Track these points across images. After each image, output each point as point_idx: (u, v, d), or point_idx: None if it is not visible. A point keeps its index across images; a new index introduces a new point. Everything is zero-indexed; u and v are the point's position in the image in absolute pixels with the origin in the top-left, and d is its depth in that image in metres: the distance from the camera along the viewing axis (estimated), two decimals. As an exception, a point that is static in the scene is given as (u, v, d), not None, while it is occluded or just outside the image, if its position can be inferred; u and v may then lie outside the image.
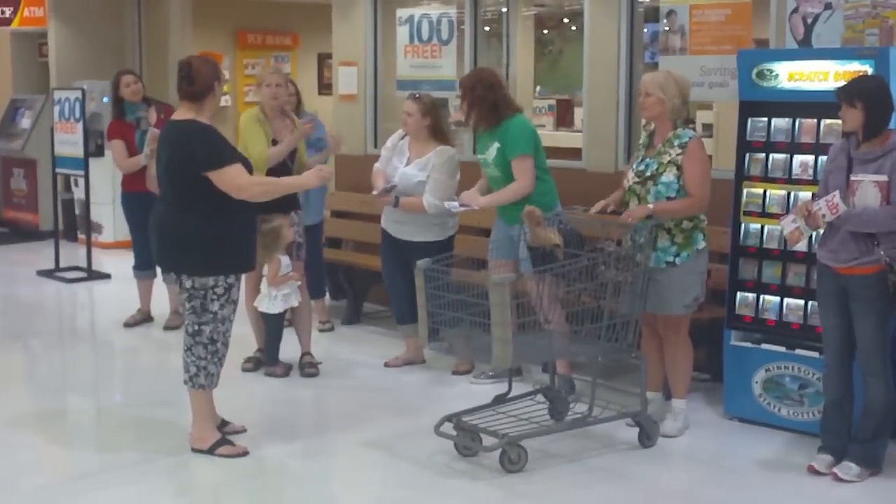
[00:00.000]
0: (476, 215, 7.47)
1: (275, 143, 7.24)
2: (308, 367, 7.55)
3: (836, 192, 5.41)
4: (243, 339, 7.62)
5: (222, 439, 5.93)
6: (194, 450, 5.90)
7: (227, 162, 5.67)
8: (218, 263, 5.75)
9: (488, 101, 6.93)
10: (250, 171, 5.91)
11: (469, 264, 6.52)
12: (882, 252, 5.35)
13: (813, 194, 5.79)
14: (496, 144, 6.92)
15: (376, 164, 7.68)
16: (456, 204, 7.01)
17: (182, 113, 5.83)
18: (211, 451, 5.87)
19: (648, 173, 6.13)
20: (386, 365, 7.76)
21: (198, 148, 5.66)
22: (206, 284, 5.72)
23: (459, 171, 7.49)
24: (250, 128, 7.23)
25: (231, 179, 5.64)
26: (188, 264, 5.75)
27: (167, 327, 8.81)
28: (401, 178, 7.40)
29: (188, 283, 5.75)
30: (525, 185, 6.83)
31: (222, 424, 6.14)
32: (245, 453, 5.90)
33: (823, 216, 5.42)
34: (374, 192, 7.45)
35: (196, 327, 5.78)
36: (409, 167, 7.41)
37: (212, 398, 5.95)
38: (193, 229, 5.71)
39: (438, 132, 7.50)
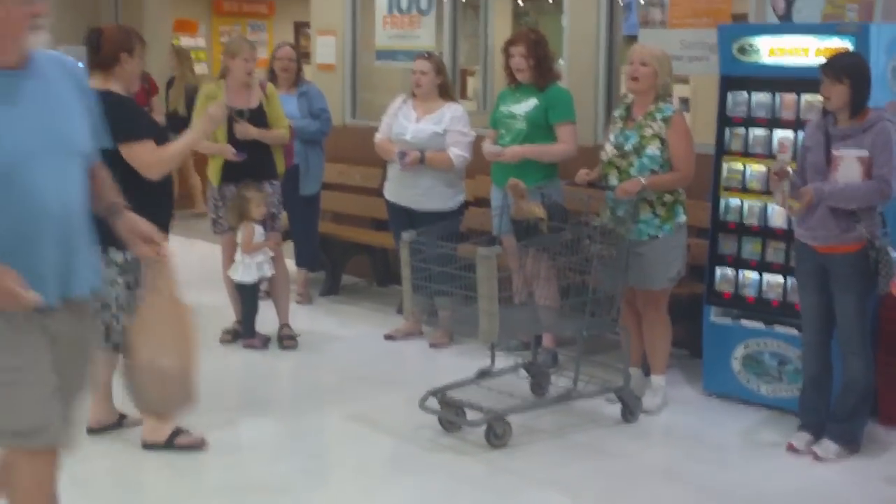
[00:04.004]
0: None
1: (230, 111, 7.17)
2: (286, 340, 7.53)
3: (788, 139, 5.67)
4: (221, 311, 7.59)
5: (178, 430, 5.64)
6: (147, 445, 5.66)
7: (138, 137, 5.40)
8: None
9: (548, 60, 7.01)
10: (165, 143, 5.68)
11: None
12: (864, 229, 5.36)
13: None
14: (534, 101, 6.92)
15: (377, 135, 7.62)
16: (498, 147, 6.98)
17: (93, 84, 5.35)
18: (168, 443, 5.63)
19: (629, 146, 6.12)
20: (386, 337, 7.77)
21: (110, 119, 5.42)
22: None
23: None
24: (199, 108, 7.22)
25: (140, 155, 5.39)
26: (113, 237, 5.49)
27: None
28: (415, 133, 7.34)
29: (118, 258, 5.38)
30: (570, 149, 6.92)
31: (121, 417, 5.88)
32: (203, 442, 5.69)
33: (783, 160, 5.56)
34: (397, 158, 7.34)
35: (131, 301, 5.40)
36: (422, 122, 7.37)
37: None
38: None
39: (446, 91, 7.51)
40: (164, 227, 5.53)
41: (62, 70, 3.61)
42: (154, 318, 3.71)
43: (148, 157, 5.43)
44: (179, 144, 5.68)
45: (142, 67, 5.79)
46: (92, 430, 5.77)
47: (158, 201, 5.51)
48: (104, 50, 5.54)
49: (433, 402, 5.95)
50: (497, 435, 5.69)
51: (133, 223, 3.80)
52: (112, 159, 5.31)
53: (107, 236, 5.34)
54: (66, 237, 3.49)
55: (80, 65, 12.29)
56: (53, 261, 3.45)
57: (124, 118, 5.39)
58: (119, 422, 5.88)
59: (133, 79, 5.68)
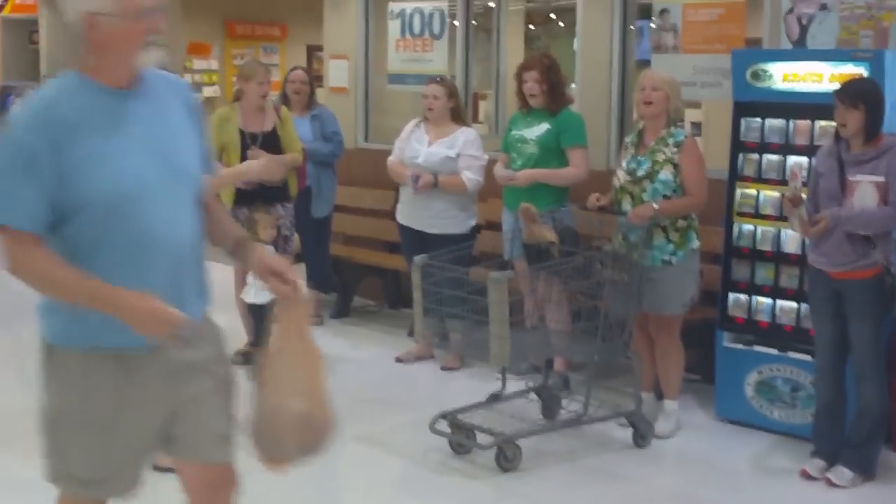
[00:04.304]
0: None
1: (243, 135, 7.29)
2: (298, 362, 7.51)
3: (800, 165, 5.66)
4: (234, 332, 7.58)
5: None
6: (158, 468, 5.72)
7: None
8: None
9: (561, 85, 7.04)
10: None
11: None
12: (880, 255, 5.35)
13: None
14: (546, 125, 6.93)
15: (391, 158, 7.64)
16: (511, 171, 6.99)
17: None
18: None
19: (642, 172, 6.12)
20: (397, 360, 7.77)
21: None
22: None
23: None
24: (214, 130, 7.30)
25: None
26: None
27: None
28: (427, 157, 7.35)
29: None
30: (581, 173, 6.93)
31: None
32: None
33: (795, 187, 5.52)
34: (410, 182, 7.34)
35: None
36: (434, 146, 7.38)
37: None
38: None
39: (459, 115, 7.53)
40: None
41: (173, 90, 3.36)
42: (284, 361, 3.35)
43: None
44: (225, 178, 5.67)
45: None
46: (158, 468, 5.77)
47: None
48: None
49: (443, 425, 5.94)
50: (507, 458, 5.68)
51: (264, 258, 3.44)
52: None
53: None
54: (178, 270, 3.26)
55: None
56: (164, 296, 3.14)
57: None
58: None
59: None
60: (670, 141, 6.12)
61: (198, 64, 17.57)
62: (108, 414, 3.23)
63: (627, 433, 6.10)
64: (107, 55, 3.10)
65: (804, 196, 5.56)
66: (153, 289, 3.10)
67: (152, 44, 3.16)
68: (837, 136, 5.56)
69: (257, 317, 7.41)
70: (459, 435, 5.91)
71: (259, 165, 6.30)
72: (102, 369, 3.20)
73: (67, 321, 3.19)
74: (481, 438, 5.84)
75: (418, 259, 5.93)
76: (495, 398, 6.24)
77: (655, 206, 6.00)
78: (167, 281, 3.19)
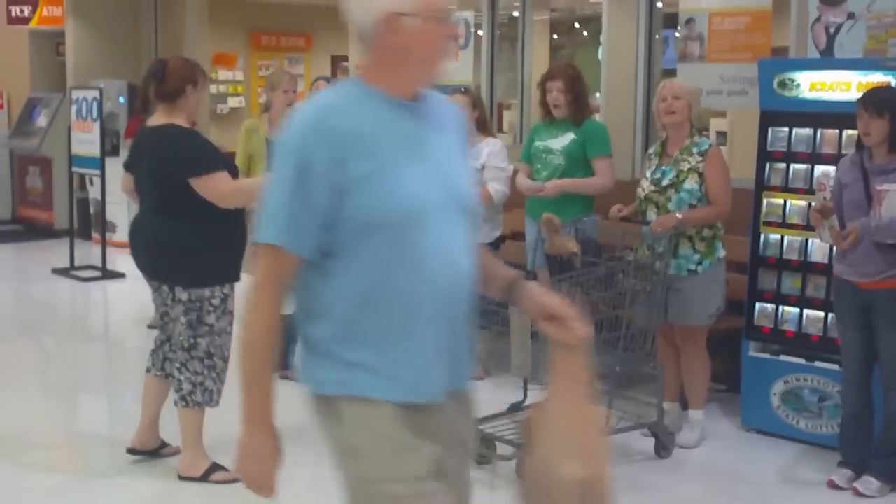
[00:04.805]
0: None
1: (270, 144, 7.26)
2: (322, 371, 7.51)
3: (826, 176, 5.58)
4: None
5: (215, 465, 5.62)
6: (183, 478, 5.63)
7: (211, 168, 5.32)
8: (214, 273, 5.44)
9: (585, 94, 7.03)
10: (236, 175, 5.67)
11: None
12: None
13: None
14: (571, 135, 6.91)
15: None
16: (539, 182, 6.97)
17: (158, 118, 5.53)
18: (204, 478, 5.58)
19: (666, 181, 6.10)
20: None
21: (181, 154, 5.36)
22: (202, 296, 5.40)
23: None
24: (241, 142, 7.37)
25: (216, 187, 5.31)
26: (183, 275, 5.42)
27: (151, 325, 8.88)
28: None
29: (184, 296, 5.39)
30: (608, 182, 6.90)
31: (161, 445, 5.91)
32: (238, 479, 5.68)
33: (825, 198, 5.48)
34: None
35: (192, 341, 5.43)
36: None
37: (203, 420, 5.61)
38: (186, 239, 5.37)
39: (484, 125, 7.53)
40: (236, 272, 5.60)
41: (447, 110, 2.95)
42: (559, 418, 2.88)
43: (224, 187, 5.35)
44: (260, 178, 5.63)
45: (203, 101, 5.74)
46: (132, 451, 5.85)
47: (231, 244, 5.55)
48: (169, 82, 5.47)
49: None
50: (528, 469, 5.65)
51: (539, 297, 2.95)
52: (182, 199, 5.36)
53: (174, 274, 5.47)
54: (455, 311, 2.82)
55: (122, 100, 12.37)
56: (442, 340, 2.77)
57: (195, 151, 5.41)
58: (158, 449, 5.91)
59: (196, 112, 5.64)
60: (695, 150, 6.10)
61: (223, 75, 17.66)
62: (425, 476, 2.78)
63: (650, 443, 6.06)
64: (403, 62, 2.74)
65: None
66: (430, 335, 2.74)
67: (450, 53, 2.85)
68: (859, 146, 5.52)
69: (282, 326, 7.41)
70: (480, 445, 5.89)
71: None
72: (407, 424, 2.78)
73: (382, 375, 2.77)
74: (501, 449, 5.81)
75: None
76: (515, 408, 6.22)
77: (679, 215, 5.98)
78: (445, 328, 2.78)
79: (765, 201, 6.39)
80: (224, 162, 5.53)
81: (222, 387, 5.57)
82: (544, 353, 5.85)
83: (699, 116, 6.25)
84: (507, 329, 5.56)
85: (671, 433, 6.11)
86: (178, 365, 5.53)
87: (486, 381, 7.48)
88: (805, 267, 6.23)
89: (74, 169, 11.60)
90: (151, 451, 5.89)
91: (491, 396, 6.90)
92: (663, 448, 6.05)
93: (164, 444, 5.92)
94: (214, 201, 5.32)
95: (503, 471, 5.74)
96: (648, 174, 6.25)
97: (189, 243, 5.39)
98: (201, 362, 5.49)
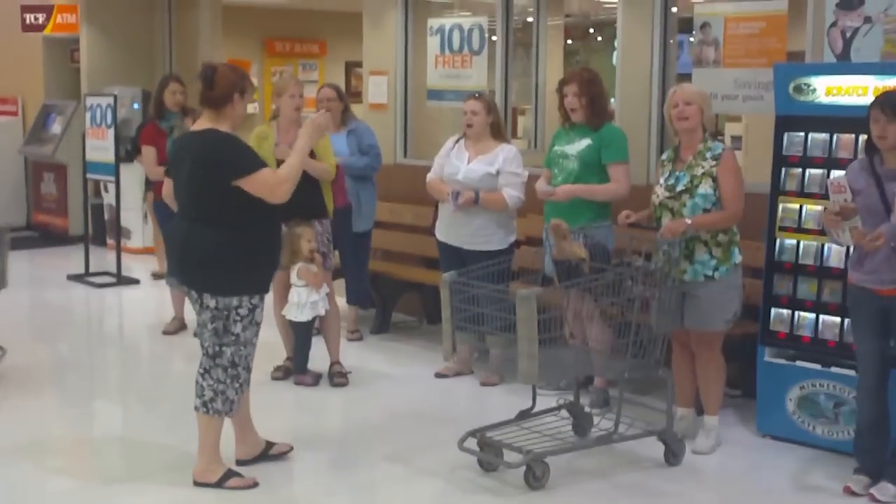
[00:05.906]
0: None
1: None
2: (337, 377, 7.53)
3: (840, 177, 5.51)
4: (272, 347, 7.60)
5: (230, 472, 5.65)
6: (198, 483, 5.63)
7: (254, 169, 5.42)
8: (243, 283, 5.48)
9: (602, 98, 7.01)
10: None
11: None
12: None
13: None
14: (588, 141, 6.91)
15: (430, 175, 7.61)
16: (550, 187, 6.96)
17: (202, 123, 5.58)
18: (219, 484, 5.59)
19: (681, 187, 6.08)
20: (437, 375, 7.75)
21: (225, 157, 5.43)
22: (229, 305, 5.44)
23: None
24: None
25: (264, 182, 5.39)
26: (213, 283, 5.46)
27: (165, 332, 8.89)
28: (466, 174, 7.33)
29: (211, 303, 5.46)
30: (622, 188, 6.90)
31: (268, 446, 5.97)
32: (255, 485, 5.65)
33: (845, 199, 5.40)
34: (450, 200, 7.31)
35: (217, 348, 5.49)
36: (474, 163, 7.36)
37: (221, 428, 5.66)
38: (219, 247, 5.41)
39: (499, 130, 7.51)
40: (266, 284, 5.65)
41: None
42: None
43: (271, 181, 5.44)
44: (293, 160, 5.62)
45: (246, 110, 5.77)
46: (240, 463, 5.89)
47: (262, 256, 5.58)
48: (218, 89, 5.50)
49: (472, 443, 5.89)
50: (536, 476, 5.62)
51: None
52: (217, 207, 5.43)
53: (203, 281, 5.50)
54: None
55: (136, 106, 12.47)
56: None
57: (238, 155, 5.48)
58: (266, 452, 5.99)
59: (240, 120, 5.65)
60: (708, 154, 6.08)
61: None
62: None
63: (661, 450, 6.03)
64: None
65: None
66: None
67: None
68: (868, 150, 5.49)
69: (299, 332, 7.43)
70: (488, 453, 5.86)
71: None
72: None
73: None
74: (510, 456, 5.76)
75: (447, 276, 5.89)
76: (524, 415, 6.18)
77: (688, 220, 5.96)
78: None
79: (780, 206, 6.36)
80: (263, 161, 5.60)
81: (240, 397, 5.63)
82: (558, 360, 5.87)
83: (711, 120, 6.23)
84: (514, 336, 5.53)
85: (681, 440, 6.08)
86: (201, 370, 5.56)
87: (501, 386, 7.48)
88: (821, 272, 6.20)
89: (89, 175, 11.63)
90: (260, 455, 5.94)
91: (508, 401, 6.90)
92: (673, 455, 6.01)
93: (270, 444, 5.99)
94: (266, 196, 5.40)
95: (511, 478, 5.73)
96: (662, 180, 6.23)
97: (220, 252, 5.42)
98: (225, 371, 5.52)
